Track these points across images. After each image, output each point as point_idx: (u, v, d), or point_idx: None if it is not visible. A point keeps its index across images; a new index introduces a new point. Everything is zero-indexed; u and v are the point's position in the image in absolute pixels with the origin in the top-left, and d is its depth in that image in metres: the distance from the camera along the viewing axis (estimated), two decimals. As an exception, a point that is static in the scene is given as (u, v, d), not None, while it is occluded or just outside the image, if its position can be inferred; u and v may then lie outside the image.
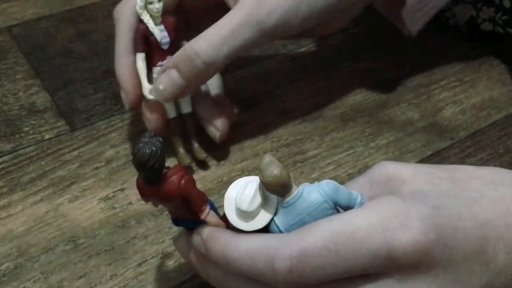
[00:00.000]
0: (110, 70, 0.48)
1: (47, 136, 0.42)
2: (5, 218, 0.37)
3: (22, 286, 0.33)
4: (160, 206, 0.30)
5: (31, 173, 0.40)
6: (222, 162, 0.41)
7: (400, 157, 0.42)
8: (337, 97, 0.47)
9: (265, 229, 0.28)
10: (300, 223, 0.27)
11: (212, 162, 0.41)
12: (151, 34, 0.37)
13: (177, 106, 0.39)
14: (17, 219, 0.37)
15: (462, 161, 0.42)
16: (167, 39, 0.37)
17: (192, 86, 0.37)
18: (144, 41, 0.37)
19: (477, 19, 0.51)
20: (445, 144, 0.43)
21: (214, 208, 0.29)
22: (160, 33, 0.37)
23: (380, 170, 0.29)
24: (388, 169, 0.29)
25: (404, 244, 0.25)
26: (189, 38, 0.38)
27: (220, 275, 0.29)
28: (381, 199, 0.27)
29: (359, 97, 0.47)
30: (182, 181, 0.27)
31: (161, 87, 0.37)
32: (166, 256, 0.35)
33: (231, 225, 0.28)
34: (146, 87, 0.37)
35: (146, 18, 0.36)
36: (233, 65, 0.49)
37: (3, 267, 0.34)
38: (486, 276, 0.27)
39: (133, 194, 0.39)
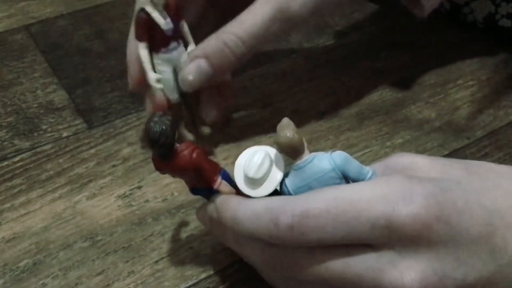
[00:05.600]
0: (127, 68, 0.49)
1: (65, 134, 0.43)
2: (24, 215, 0.37)
3: (41, 282, 0.34)
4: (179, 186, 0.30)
5: (50, 171, 0.40)
6: (238, 160, 0.41)
7: (416, 156, 0.42)
8: (353, 96, 0.47)
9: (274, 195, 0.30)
10: (307, 187, 0.29)
11: (228, 160, 0.41)
12: (155, 23, 0.35)
13: (178, 87, 0.38)
14: (35, 216, 0.37)
15: (479, 160, 0.41)
16: (171, 26, 0.36)
17: (219, 76, 0.37)
18: (145, 31, 0.35)
19: (495, 15, 0.50)
20: (462, 143, 0.43)
21: (228, 177, 0.31)
22: (164, 22, 0.35)
23: (396, 160, 0.30)
24: (405, 159, 0.30)
25: (404, 217, 0.26)
26: (207, 17, 0.40)
27: (235, 239, 0.30)
28: (388, 175, 0.28)
29: (375, 96, 0.47)
30: (194, 155, 0.29)
31: (190, 77, 0.36)
32: (183, 253, 0.35)
33: (241, 192, 0.30)
34: (152, 77, 0.36)
35: (150, 9, 0.35)
36: (248, 64, 0.49)
37: (23, 263, 0.35)
38: (494, 264, 0.27)
39: (150, 191, 0.39)
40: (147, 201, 0.38)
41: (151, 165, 0.40)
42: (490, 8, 0.50)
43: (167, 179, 0.40)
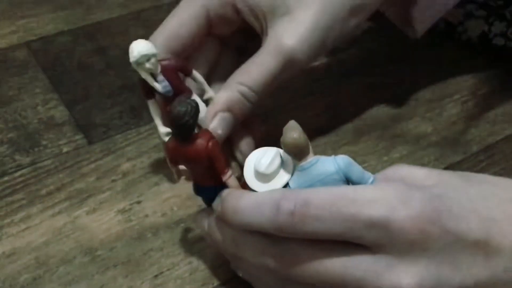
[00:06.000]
0: (127, 84, 0.49)
1: (65, 150, 0.43)
2: (24, 230, 0.38)
3: (40, 297, 0.34)
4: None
5: (50, 186, 0.40)
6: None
7: (413, 171, 0.42)
8: (350, 111, 0.47)
9: None
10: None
11: (226, 176, 0.41)
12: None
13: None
14: (36, 231, 0.37)
15: (475, 175, 0.42)
16: (169, 88, 0.36)
17: (239, 121, 0.39)
18: (149, 90, 0.36)
19: (489, 34, 0.51)
20: (458, 158, 0.43)
21: None
22: (160, 86, 0.36)
23: (394, 171, 0.31)
24: (402, 170, 0.30)
25: (401, 220, 0.26)
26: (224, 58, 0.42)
27: (233, 238, 0.31)
28: (388, 182, 0.29)
29: (372, 111, 0.47)
30: (210, 143, 0.30)
31: (219, 131, 0.37)
32: (182, 268, 0.35)
33: (249, 188, 0.31)
34: (162, 132, 0.37)
35: (144, 74, 0.35)
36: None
37: (22, 278, 0.35)
38: (489, 271, 0.27)
39: (149, 206, 0.39)
40: (146, 216, 0.39)
41: (151, 180, 0.41)
42: (483, 27, 0.51)
43: (166, 193, 0.40)
